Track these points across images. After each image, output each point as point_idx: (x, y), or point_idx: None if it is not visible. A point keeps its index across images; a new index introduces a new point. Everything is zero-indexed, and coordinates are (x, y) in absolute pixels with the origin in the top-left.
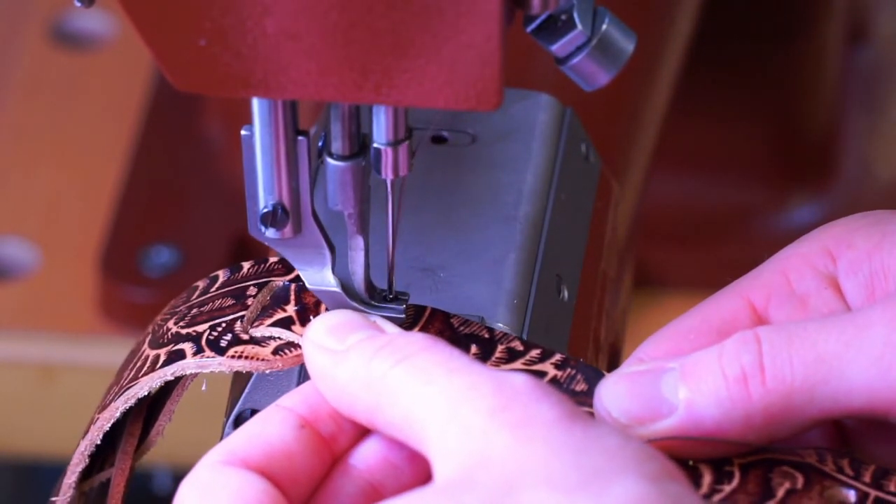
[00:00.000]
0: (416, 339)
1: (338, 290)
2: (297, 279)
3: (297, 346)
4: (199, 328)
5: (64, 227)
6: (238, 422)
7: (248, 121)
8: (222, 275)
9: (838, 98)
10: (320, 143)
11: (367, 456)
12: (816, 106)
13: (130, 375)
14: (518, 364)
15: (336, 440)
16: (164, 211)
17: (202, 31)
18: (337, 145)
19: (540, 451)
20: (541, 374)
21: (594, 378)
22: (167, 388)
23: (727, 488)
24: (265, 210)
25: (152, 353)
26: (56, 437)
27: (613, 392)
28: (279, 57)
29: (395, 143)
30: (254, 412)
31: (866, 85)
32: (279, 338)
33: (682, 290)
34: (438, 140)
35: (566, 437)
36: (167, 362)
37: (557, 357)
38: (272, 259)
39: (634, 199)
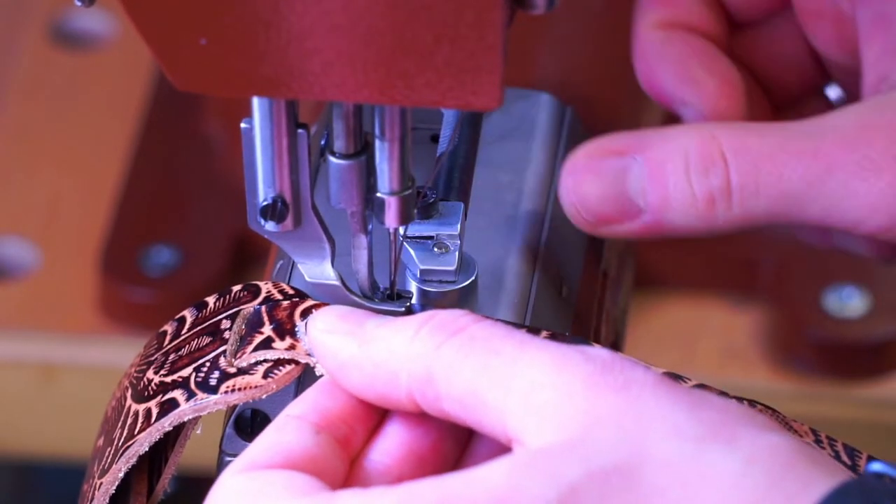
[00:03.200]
0: (462, 312)
1: (337, 283)
2: (265, 301)
3: (284, 363)
4: (184, 373)
5: (64, 227)
6: (238, 422)
7: None
8: (188, 315)
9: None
10: (322, 142)
11: (389, 449)
12: None
13: (125, 434)
14: None
15: (350, 443)
16: (164, 211)
17: (202, 30)
18: (339, 144)
19: (654, 407)
20: None
21: None
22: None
23: None
24: (265, 203)
25: (141, 407)
26: (56, 437)
27: (582, 190)
28: (280, 57)
29: (399, 192)
30: (254, 412)
31: None
32: (265, 360)
33: (682, 290)
34: (438, 140)
35: (675, 395)
36: (161, 414)
37: (545, 334)
38: (235, 288)
39: None
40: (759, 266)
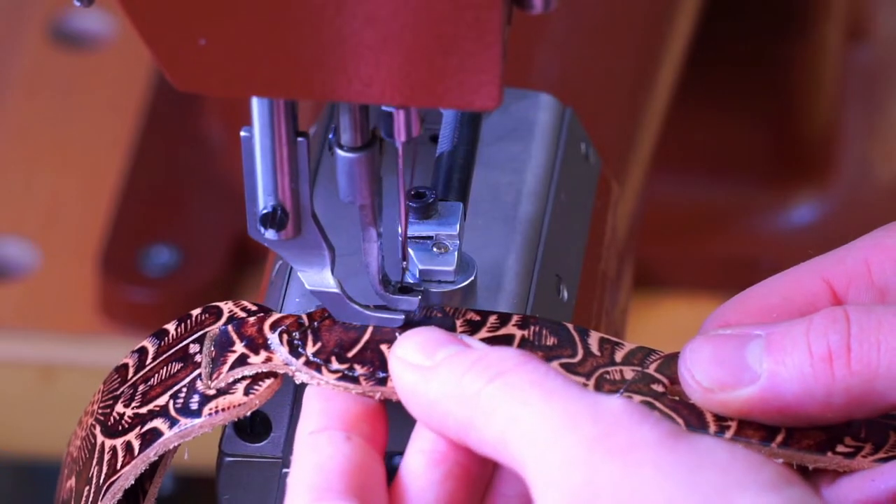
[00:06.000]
0: (510, 354)
1: (337, 291)
2: (230, 320)
3: (263, 377)
4: (160, 401)
5: (64, 227)
6: (238, 422)
7: (248, 121)
8: (149, 344)
9: (838, 97)
10: (330, 136)
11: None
12: (816, 105)
13: (105, 471)
14: (483, 333)
15: (376, 439)
16: (164, 211)
17: (202, 30)
18: (347, 137)
19: (652, 476)
20: (508, 338)
21: (558, 329)
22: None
23: (733, 423)
24: (265, 211)
25: (117, 442)
26: (56, 437)
27: (698, 355)
28: (280, 58)
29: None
30: (253, 413)
31: (866, 84)
32: (243, 377)
33: (682, 289)
34: (438, 140)
35: (675, 458)
36: (144, 445)
37: (516, 318)
38: (195, 312)
39: (634, 199)
40: (759, 266)
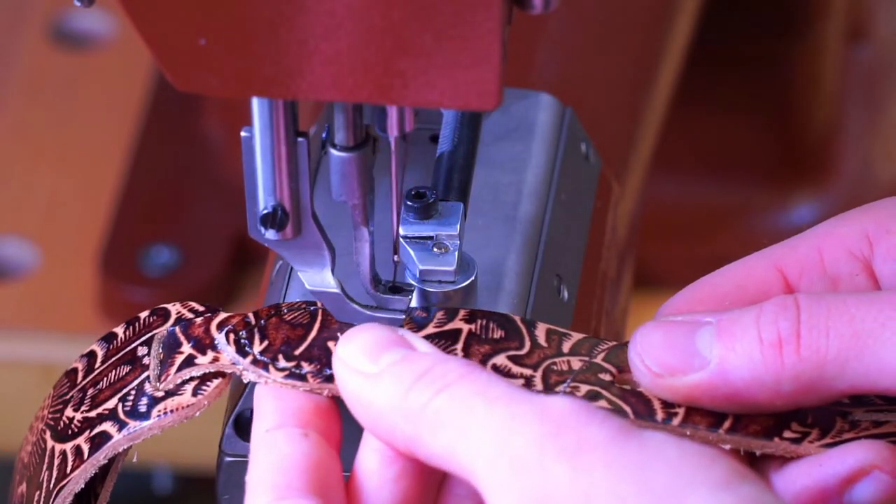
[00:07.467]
0: (453, 365)
1: (337, 291)
2: (177, 322)
3: (211, 377)
4: (109, 405)
5: (64, 227)
6: (238, 421)
7: (248, 121)
8: (98, 348)
9: (838, 97)
10: (324, 135)
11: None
12: (816, 105)
13: (55, 475)
14: (430, 329)
15: (332, 436)
16: (164, 211)
17: (202, 30)
18: (340, 136)
19: (603, 477)
20: (455, 332)
21: (505, 323)
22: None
23: (681, 410)
24: (265, 211)
25: (67, 446)
26: None
27: (649, 340)
28: (280, 57)
29: None
30: (254, 413)
31: (866, 84)
32: (191, 378)
33: (681, 289)
34: (438, 140)
35: (625, 458)
36: (94, 449)
37: (463, 313)
38: (143, 315)
39: (634, 198)
40: None
